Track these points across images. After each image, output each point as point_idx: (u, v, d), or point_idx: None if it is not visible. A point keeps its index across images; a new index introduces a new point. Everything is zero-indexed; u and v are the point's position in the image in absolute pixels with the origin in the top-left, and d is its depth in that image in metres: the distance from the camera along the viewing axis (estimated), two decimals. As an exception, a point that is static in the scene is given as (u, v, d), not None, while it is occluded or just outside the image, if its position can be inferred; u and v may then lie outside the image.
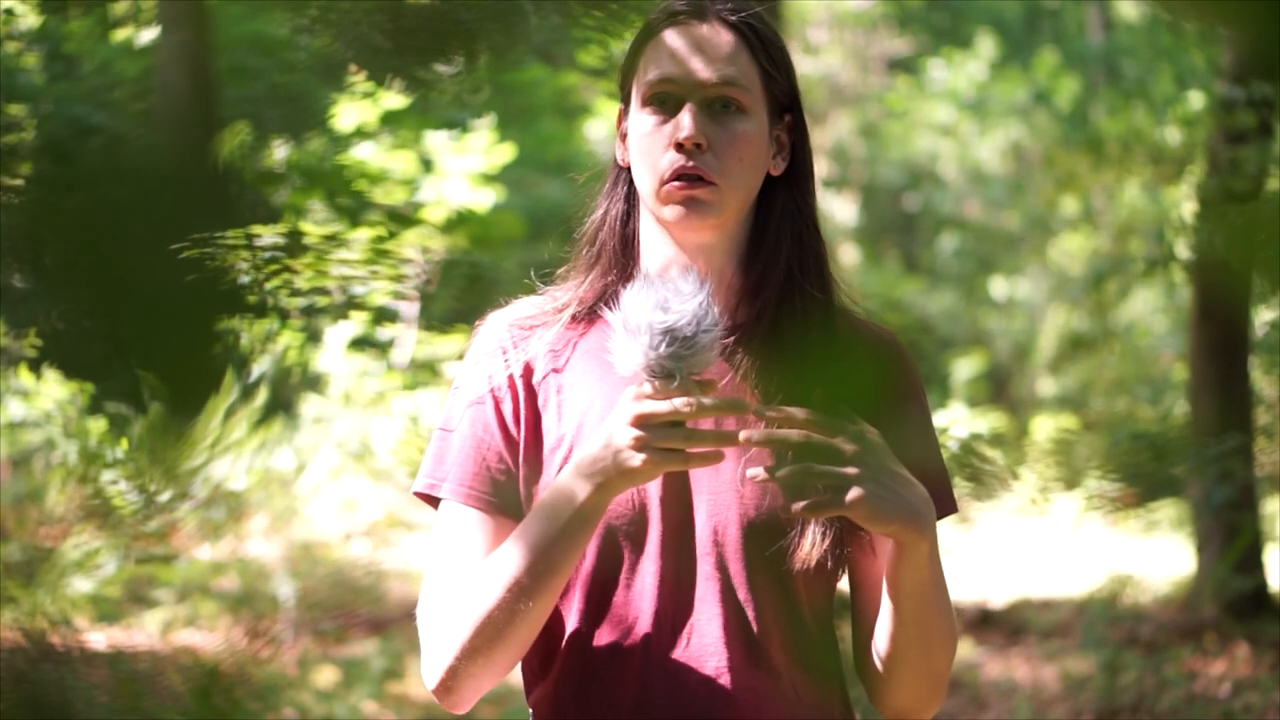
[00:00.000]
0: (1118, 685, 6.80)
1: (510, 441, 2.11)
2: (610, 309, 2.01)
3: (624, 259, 2.15)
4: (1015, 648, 8.09)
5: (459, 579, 2.08)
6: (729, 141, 2.08)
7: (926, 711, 2.15)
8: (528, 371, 2.13)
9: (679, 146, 2.07)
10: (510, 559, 2.03)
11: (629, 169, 2.16)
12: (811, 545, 2.07)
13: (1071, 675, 7.33)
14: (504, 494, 2.10)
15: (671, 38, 2.11)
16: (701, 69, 2.09)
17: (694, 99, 2.08)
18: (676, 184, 2.07)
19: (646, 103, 2.11)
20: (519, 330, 2.15)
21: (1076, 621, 8.21)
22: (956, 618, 2.14)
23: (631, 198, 2.17)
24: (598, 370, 2.09)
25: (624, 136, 2.17)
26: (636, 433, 1.93)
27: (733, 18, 2.12)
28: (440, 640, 2.07)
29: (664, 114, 2.09)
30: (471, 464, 2.11)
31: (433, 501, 2.15)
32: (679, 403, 1.92)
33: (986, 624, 8.46)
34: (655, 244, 2.14)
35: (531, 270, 2.23)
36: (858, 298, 2.20)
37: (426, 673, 2.10)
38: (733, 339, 2.11)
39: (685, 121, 2.07)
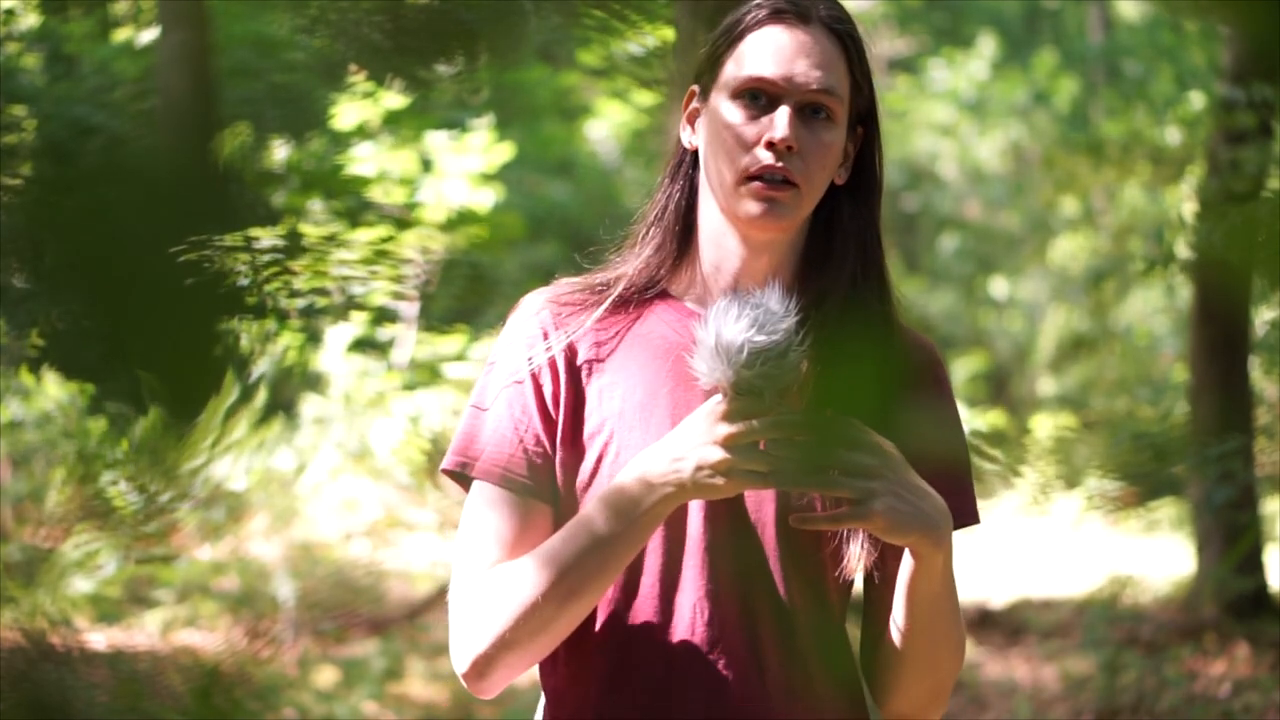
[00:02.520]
0: (1118, 685, 6.81)
1: (549, 423, 2.09)
2: (663, 296, 2.04)
3: (681, 245, 2.14)
4: (1015, 648, 8.09)
5: (497, 566, 2.06)
6: (817, 148, 2.07)
7: (927, 718, 2.15)
8: (570, 353, 2.11)
9: (770, 145, 2.05)
10: (562, 554, 2.02)
11: (694, 154, 2.14)
12: (862, 552, 2.08)
13: (1071, 675, 7.33)
14: (539, 477, 2.08)
15: (775, 35, 2.09)
16: (803, 72, 2.07)
17: (790, 101, 2.07)
18: (760, 183, 2.06)
19: (738, 95, 2.08)
20: (562, 309, 2.13)
21: (1076, 621, 8.21)
22: (964, 628, 2.15)
23: (694, 181, 2.15)
24: (642, 354, 2.08)
25: (692, 119, 2.15)
26: (722, 454, 1.94)
27: (837, 26, 2.11)
28: (476, 628, 2.05)
29: (756, 109, 2.07)
30: (507, 445, 2.09)
31: (462, 480, 2.13)
32: (767, 423, 1.93)
33: (986, 624, 8.46)
34: (715, 234, 2.12)
35: (577, 254, 2.21)
36: (904, 307, 2.20)
37: (457, 658, 2.08)
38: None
39: (782, 122, 2.05)
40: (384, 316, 8.91)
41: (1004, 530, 10.59)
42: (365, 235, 7.37)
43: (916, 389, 2.16)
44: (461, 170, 8.74)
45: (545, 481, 2.08)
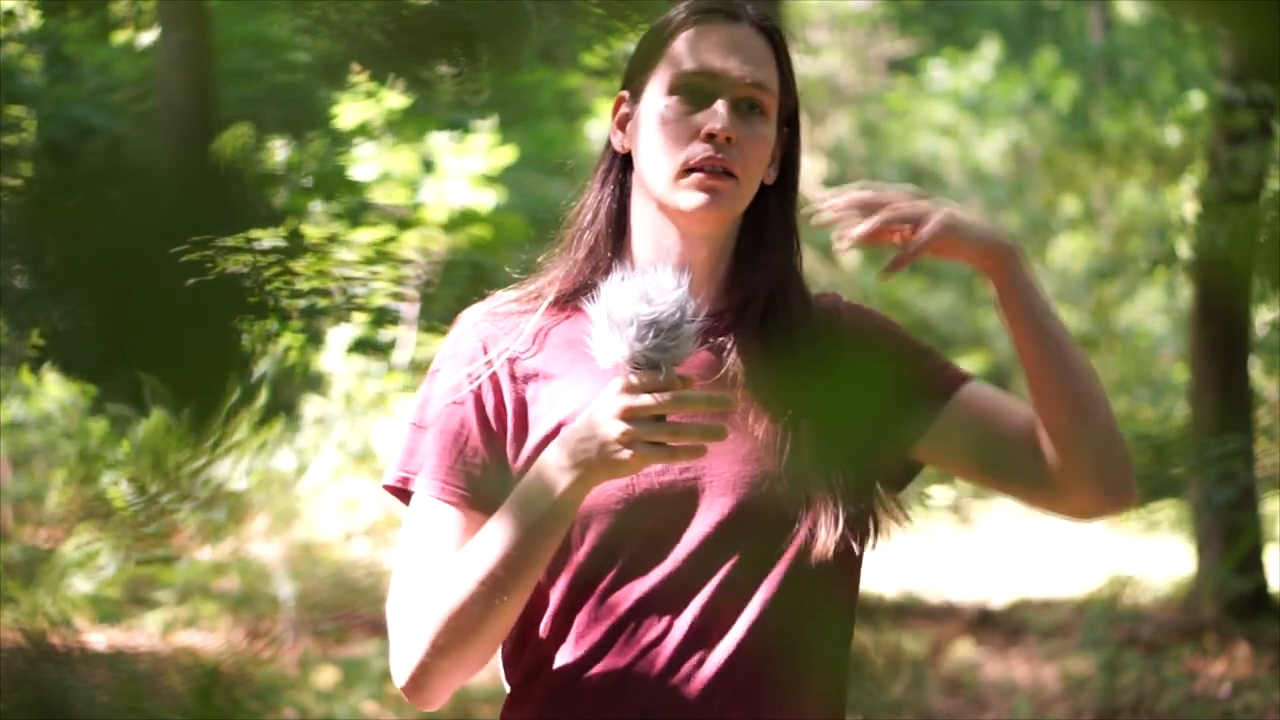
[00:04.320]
0: (1118, 685, 6.81)
1: (489, 436, 2.09)
2: (591, 300, 2.00)
3: (615, 247, 2.15)
4: (1015, 648, 8.09)
5: (430, 575, 2.05)
6: (752, 141, 2.10)
7: (1129, 480, 2.11)
8: (510, 363, 2.11)
9: (709, 137, 2.08)
10: (484, 552, 2.01)
11: (625, 156, 2.16)
12: (826, 536, 2.06)
13: (1071, 675, 7.33)
14: (480, 489, 2.07)
15: (708, 33, 2.12)
16: (739, 67, 2.10)
17: (728, 95, 2.10)
18: (701, 174, 2.08)
19: (675, 90, 2.11)
20: (499, 320, 2.14)
21: (1076, 621, 8.21)
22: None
23: (624, 185, 2.17)
24: (585, 357, 2.06)
25: (622, 124, 2.17)
26: (624, 427, 1.93)
27: (765, 24, 2.15)
28: (409, 637, 2.04)
29: (692, 105, 2.10)
30: (447, 458, 2.09)
31: (403, 495, 2.12)
32: (666, 396, 1.92)
33: (986, 624, 8.46)
34: (650, 232, 2.14)
35: (516, 265, 2.23)
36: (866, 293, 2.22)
37: (396, 670, 2.07)
38: (722, 339, 2.11)
39: (720, 113, 2.09)
40: (385, 317, 8.91)
41: (1004, 530, 10.59)
42: (366, 236, 7.37)
43: (852, 343, 2.18)
44: (463, 171, 8.74)
45: (486, 493, 2.07)
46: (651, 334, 1.91)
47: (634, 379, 1.93)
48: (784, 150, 2.17)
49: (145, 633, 7.00)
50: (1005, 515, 10.59)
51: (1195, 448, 7.42)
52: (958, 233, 2.03)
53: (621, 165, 2.17)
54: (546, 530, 1.99)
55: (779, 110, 2.15)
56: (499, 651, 2.12)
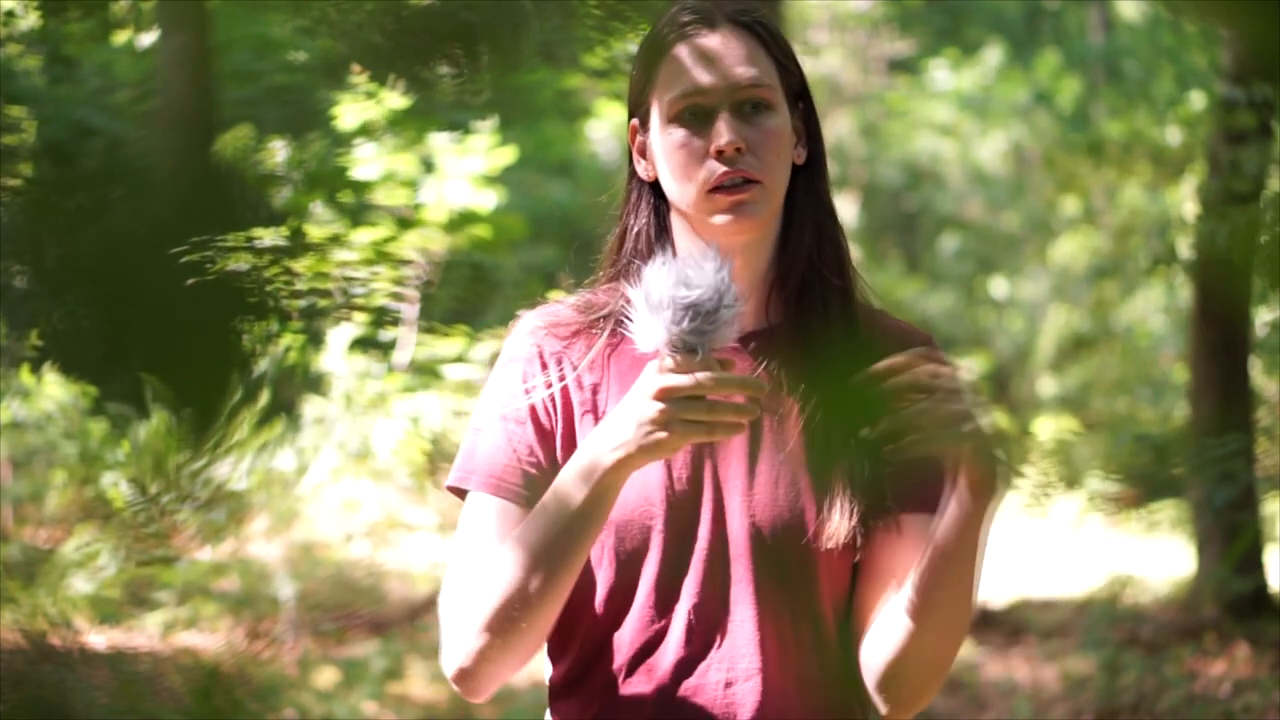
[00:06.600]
0: (1118, 685, 6.81)
1: (544, 439, 2.12)
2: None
3: None
4: (1015, 648, 8.09)
5: (478, 567, 2.07)
6: (764, 139, 2.10)
7: (929, 696, 2.13)
8: (564, 376, 2.13)
9: (719, 154, 2.08)
10: (527, 541, 2.02)
11: (653, 183, 2.17)
12: (840, 519, 2.06)
13: (1071, 675, 7.33)
14: (535, 488, 2.09)
15: (688, 49, 2.12)
16: (727, 75, 2.10)
17: (724, 106, 2.10)
18: (722, 192, 2.09)
19: (674, 119, 2.11)
20: (556, 334, 2.15)
21: (1076, 621, 8.21)
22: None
23: (659, 211, 2.18)
24: (634, 368, 2.08)
25: (642, 152, 2.17)
26: (661, 406, 1.93)
27: (743, 19, 2.14)
28: (458, 627, 2.07)
29: (694, 126, 2.10)
30: (502, 457, 2.11)
31: (462, 495, 2.15)
32: (702, 377, 1.92)
33: (986, 624, 8.46)
34: (691, 250, 2.14)
35: (565, 278, 2.24)
36: (878, 294, 2.21)
37: (445, 660, 2.10)
38: (766, 334, 2.13)
39: (722, 129, 2.09)
40: (385, 317, 8.91)
41: (1004, 530, 10.59)
42: (366, 236, 7.38)
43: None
44: (463, 172, 8.74)
45: (538, 493, 2.09)
46: (688, 318, 1.91)
47: (670, 362, 1.94)
48: (805, 126, 2.17)
49: (145, 633, 7.00)
50: (1005, 515, 10.59)
51: (1195, 448, 7.42)
52: (977, 454, 1.96)
53: (653, 190, 2.18)
54: (587, 515, 2.00)
55: (786, 92, 2.14)
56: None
